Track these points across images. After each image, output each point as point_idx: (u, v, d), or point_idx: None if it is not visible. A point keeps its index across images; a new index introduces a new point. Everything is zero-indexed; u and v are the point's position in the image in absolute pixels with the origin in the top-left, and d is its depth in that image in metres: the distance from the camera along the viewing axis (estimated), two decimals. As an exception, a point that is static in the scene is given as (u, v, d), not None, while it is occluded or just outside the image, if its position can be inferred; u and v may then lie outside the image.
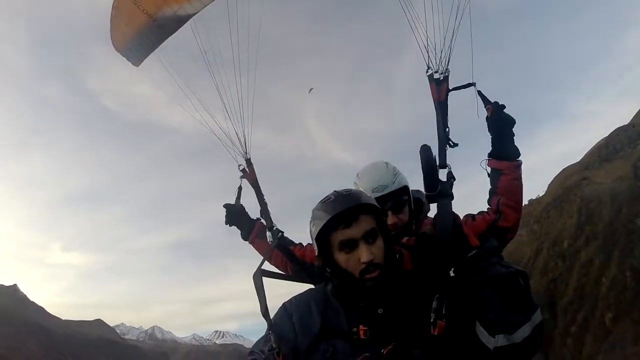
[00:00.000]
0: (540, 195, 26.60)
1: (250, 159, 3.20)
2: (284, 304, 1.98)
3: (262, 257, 2.62)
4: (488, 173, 2.44)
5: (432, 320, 1.74)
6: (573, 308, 17.48)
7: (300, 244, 2.88)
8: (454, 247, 2.11)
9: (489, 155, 2.44)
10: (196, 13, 3.40)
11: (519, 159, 2.40)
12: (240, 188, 3.15)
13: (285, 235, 2.95)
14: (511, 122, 2.41)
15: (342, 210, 1.76)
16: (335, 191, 1.90)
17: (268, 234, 2.93)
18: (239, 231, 3.08)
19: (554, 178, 26.92)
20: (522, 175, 2.41)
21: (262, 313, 1.99)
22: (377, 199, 2.32)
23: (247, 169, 3.17)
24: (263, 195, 3.09)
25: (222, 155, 3.17)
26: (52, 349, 74.20)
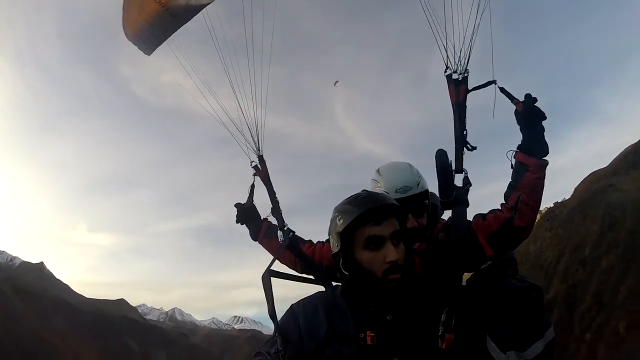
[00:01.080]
0: (567, 198, 26.03)
1: (262, 155, 3.13)
2: (291, 306, 1.97)
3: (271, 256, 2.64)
4: (512, 165, 2.34)
5: (440, 333, 1.71)
6: (590, 315, 17.15)
7: (310, 241, 2.81)
8: (467, 256, 2.05)
9: (519, 147, 2.34)
10: (209, 3, 3.36)
11: (546, 158, 2.30)
12: (252, 186, 3.09)
13: (296, 234, 2.87)
14: (542, 116, 2.31)
15: (375, 207, 1.76)
16: (365, 190, 1.91)
17: (279, 233, 2.86)
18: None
19: (581, 182, 26.26)
20: (546, 177, 2.30)
21: (269, 314, 1.99)
22: (399, 200, 2.28)
23: (259, 166, 3.09)
24: (275, 193, 3.02)
25: (239, 150, 3.10)
26: (78, 326, 76.17)
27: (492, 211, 2.34)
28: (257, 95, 3.15)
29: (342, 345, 1.74)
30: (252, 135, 3.14)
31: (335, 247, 1.87)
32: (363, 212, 1.75)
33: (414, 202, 2.38)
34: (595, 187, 23.01)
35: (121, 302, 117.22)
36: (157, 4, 3.38)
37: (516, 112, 2.34)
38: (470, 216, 2.35)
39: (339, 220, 1.82)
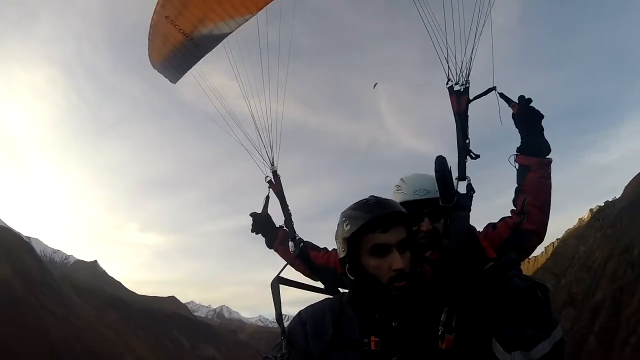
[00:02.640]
0: (617, 197, 24.66)
1: (276, 170, 3.30)
2: (299, 312, 2.00)
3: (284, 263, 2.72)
4: (517, 169, 2.36)
5: (440, 333, 1.71)
6: (636, 318, 16.27)
7: (325, 248, 2.89)
8: (470, 260, 2.03)
9: (518, 149, 2.37)
10: (231, 32, 3.51)
11: (549, 156, 2.30)
12: (267, 198, 3.25)
13: (308, 243, 2.98)
14: (538, 115, 2.32)
15: (383, 214, 1.76)
16: (373, 196, 1.90)
17: (290, 243, 2.98)
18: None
19: (631, 180, 24.83)
20: (552, 175, 2.30)
21: (276, 319, 2.05)
22: (417, 201, 2.40)
23: (273, 180, 3.26)
24: (288, 206, 3.16)
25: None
26: (131, 321, 79.14)
27: (502, 219, 2.36)
28: (273, 118, 3.32)
29: (347, 350, 1.78)
30: (267, 152, 3.32)
31: (341, 253, 1.88)
32: (371, 219, 1.75)
33: (432, 205, 2.39)
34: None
35: (172, 299, 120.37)
36: (180, 34, 3.52)
37: (513, 115, 2.38)
38: (481, 227, 2.37)
39: (346, 225, 1.82)
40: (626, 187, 24.54)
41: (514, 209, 2.32)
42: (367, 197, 1.90)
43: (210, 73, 3.67)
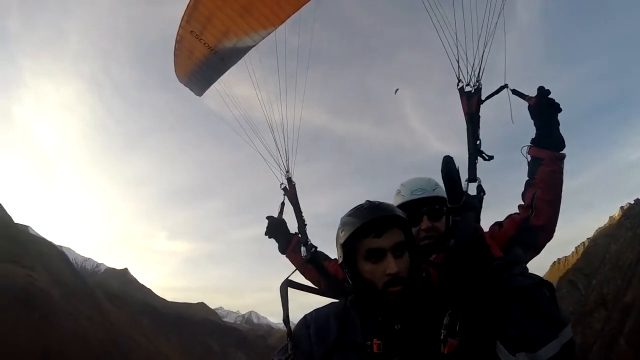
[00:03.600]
0: (648, 195, 23.68)
1: (291, 177, 3.38)
2: (305, 315, 2.02)
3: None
4: (528, 162, 2.32)
5: (442, 337, 1.66)
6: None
7: (335, 259, 2.85)
8: (475, 260, 1.95)
9: (532, 141, 2.32)
10: (255, 45, 3.62)
11: (563, 151, 2.25)
12: (282, 204, 3.32)
13: (319, 250, 3.00)
14: (556, 107, 2.27)
15: (375, 218, 1.76)
16: (368, 200, 1.90)
17: (303, 248, 3.04)
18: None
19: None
20: (565, 170, 2.24)
21: (283, 321, 2.05)
22: (414, 201, 2.41)
23: (287, 187, 3.35)
24: (301, 212, 3.22)
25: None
26: (163, 327, 79.92)
27: (509, 216, 2.31)
28: (290, 125, 3.44)
29: (349, 353, 1.77)
30: (282, 159, 3.43)
31: (340, 259, 1.91)
32: (362, 224, 1.76)
33: (429, 204, 2.43)
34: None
35: (201, 305, 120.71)
36: (205, 48, 3.64)
37: (530, 107, 2.33)
38: (487, 226, 2.32)
39: (342, 232, 1.85)
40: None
41: (522, 203, 2.29)
42: (362, 202, 1.91)
43: (232, 82, 3.80)
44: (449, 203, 2.15)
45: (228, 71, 3.82)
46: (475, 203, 2.18)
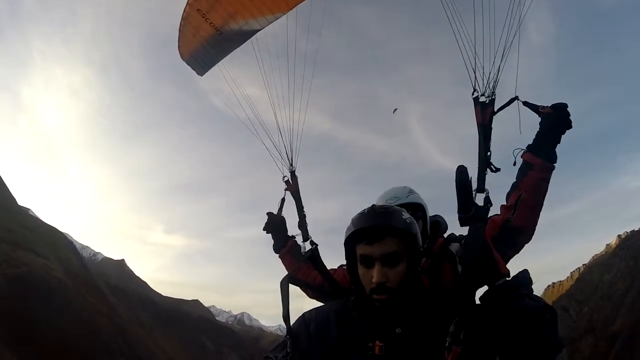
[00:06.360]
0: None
1: (295, 171, 3.26)
2: (303, 313, 2.01)
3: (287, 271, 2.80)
4: (518, 164, 2.40)
5: (447, 344, 1.68)
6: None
7: (333, 269, 2.82)
8: (482, 273, 1.98)
9: (528, 147, 2.37)
10: (261, 29, 3.53)
11: (554, 164, 2.31)
12: (283, 199, 3.19)
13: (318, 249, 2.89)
14: (568, 124, 2.31)
15: (364, 227, 1.77)
16: (372, 205, 1.89)
17: (303, 245, 2.95)
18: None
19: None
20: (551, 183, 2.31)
21: (283, 317, 2.04)
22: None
23: (290, 181, 3.21)
24: (303, 208, 3.11)
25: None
26: (160, 321, 78.79)
27: (490, 217, 2.29)
28: (296, 119, 3.33)
29: (350, 354, 1.76)
30: (287, 152, 3.29)
31: (345, 254, 1.93)
32: (354, 232, 1.79)
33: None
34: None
35: (196, 302, 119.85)
36: (211, 27, 3.55)
37: (544, 116, 2.34)
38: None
39: (345, 233, 1.87)
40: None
41: (505, 204, 2.36)
42: (369, 206, 1.90)
43: (241, 78, 3.66)
44: (458, 212, 2.16)
45: (236, 65, 3.76)
46: (484, 214, 2.17)
